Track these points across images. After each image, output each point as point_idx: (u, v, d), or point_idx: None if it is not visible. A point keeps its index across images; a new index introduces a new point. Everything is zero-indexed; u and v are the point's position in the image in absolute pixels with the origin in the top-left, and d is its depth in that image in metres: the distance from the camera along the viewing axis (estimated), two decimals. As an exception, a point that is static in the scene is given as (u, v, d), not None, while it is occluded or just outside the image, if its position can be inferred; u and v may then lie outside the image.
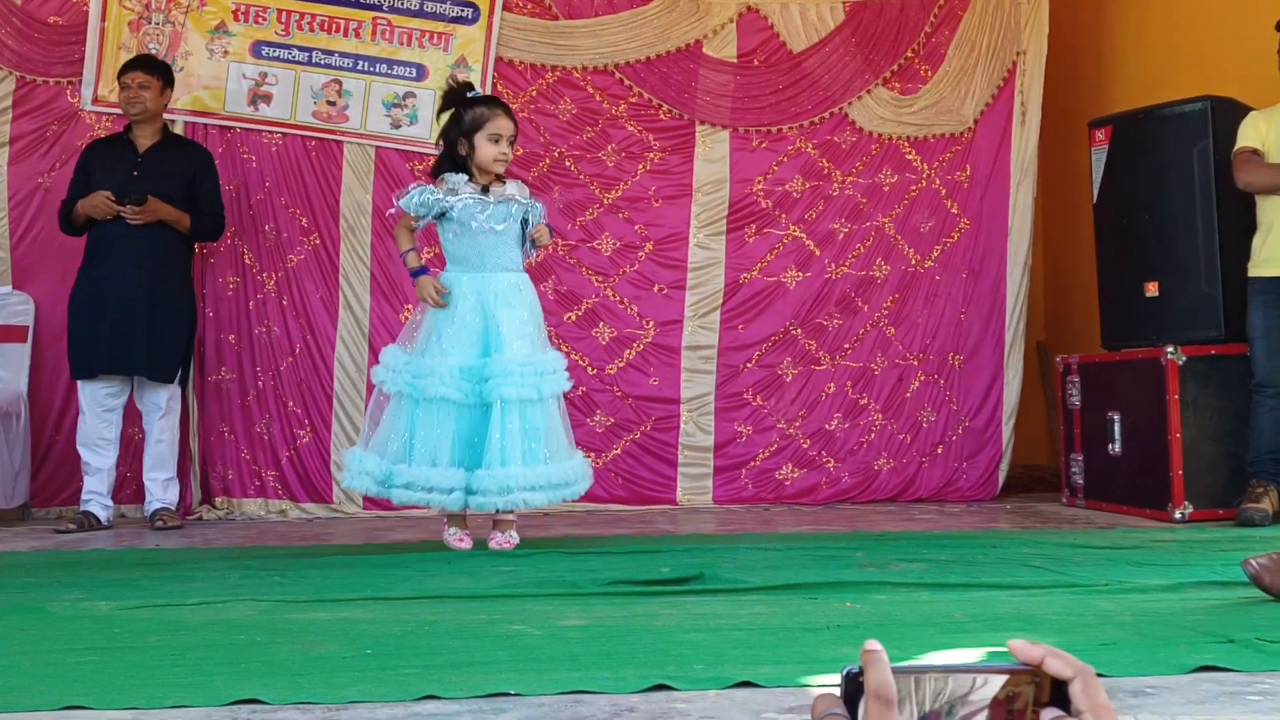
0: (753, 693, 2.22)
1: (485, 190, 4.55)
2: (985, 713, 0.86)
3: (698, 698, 2.21)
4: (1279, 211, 5.18)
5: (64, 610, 3.25)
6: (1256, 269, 5.25)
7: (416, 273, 4.65)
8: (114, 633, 2.93)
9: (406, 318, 6.28)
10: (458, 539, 4.57)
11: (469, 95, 4.63)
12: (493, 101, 4.76)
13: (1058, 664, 0.87)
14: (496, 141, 4.53)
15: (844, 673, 0.86)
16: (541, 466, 4.43)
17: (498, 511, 4.51)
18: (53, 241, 6.02)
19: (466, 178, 4.56)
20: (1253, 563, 3.18)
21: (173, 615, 3.17)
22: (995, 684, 0.87)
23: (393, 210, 4.94)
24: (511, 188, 4.66)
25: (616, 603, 3.31)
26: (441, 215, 4.55)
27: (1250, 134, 5.28)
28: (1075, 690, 0.87)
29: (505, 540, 4.53)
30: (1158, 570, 3.77)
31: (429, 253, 5.63)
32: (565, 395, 4.74)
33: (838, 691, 0.86)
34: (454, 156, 4.58)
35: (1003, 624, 2.90)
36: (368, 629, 2.93)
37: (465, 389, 4.44)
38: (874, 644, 0.85)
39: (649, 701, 2.18)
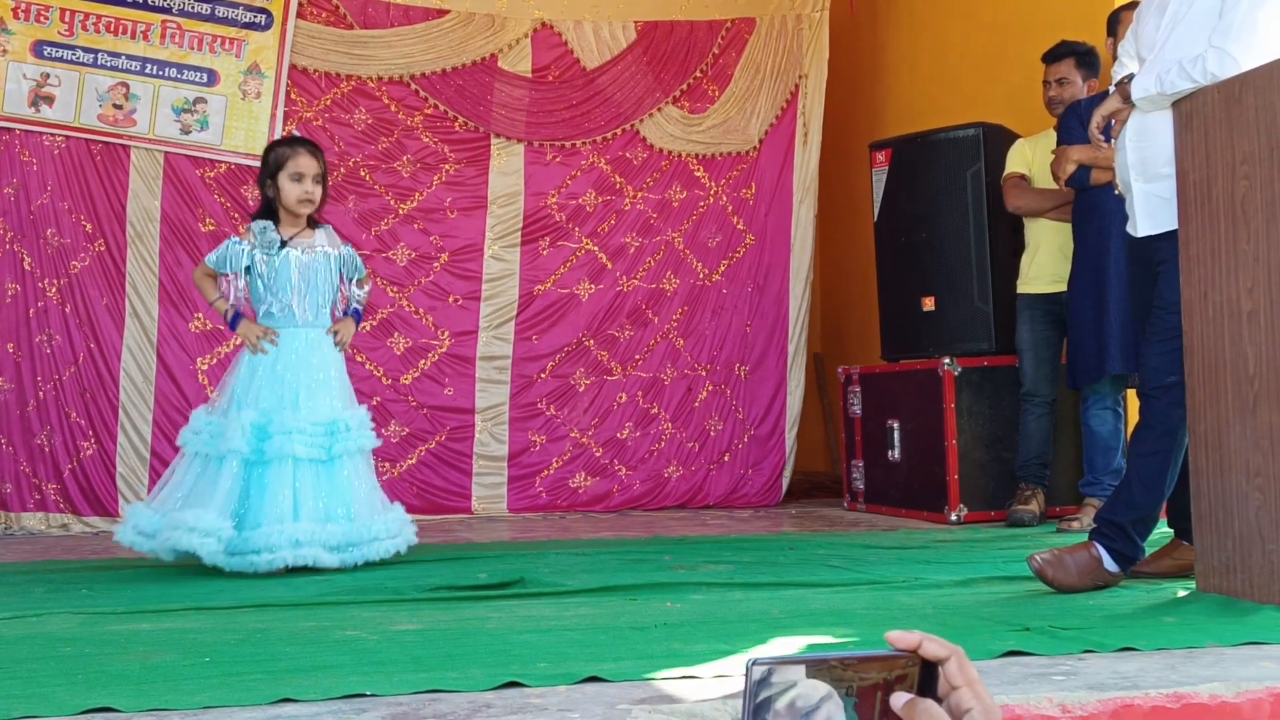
0: (602, 687, 2.31)
1: (283, 245, 4.43)
2: (877, 693, 0.96)
3: (550, 693, 2.28)
4: (1044, 232, 5.54)
5: None
6: (1024, 286, 5.61)
7: (234, 320, 4.49)
8: (-73, 649, 2.84)
9: (197, 327, 6.17)
10: None
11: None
12: (294, 140, 4.74)
13: (934, 646, 0.98)
14: (299, 180, 4.44)
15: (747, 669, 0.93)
16: (338, 525, 4.24)
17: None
18: None
19: (272, 225, 4.46)
20: (1036, 558, 3.45)
21: (-15, 630, 3.08)
22: (880, 667, 0.97)
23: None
24: (320, 237, 4.57)
25: (443, 607, 3.37)
26: (247, 269, 4.46)
27: (1017, 160, 5.64)
28: (951, 668, 0.97)
29: None
30: (946, 567, 4.02)
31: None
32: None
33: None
34: (266, 202, 4.53)
35: (817, 619, 3.07)
36: (198, 638, 2.90)
37: (254, 445, 4.26)
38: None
39: (503, 698, 2.24)
